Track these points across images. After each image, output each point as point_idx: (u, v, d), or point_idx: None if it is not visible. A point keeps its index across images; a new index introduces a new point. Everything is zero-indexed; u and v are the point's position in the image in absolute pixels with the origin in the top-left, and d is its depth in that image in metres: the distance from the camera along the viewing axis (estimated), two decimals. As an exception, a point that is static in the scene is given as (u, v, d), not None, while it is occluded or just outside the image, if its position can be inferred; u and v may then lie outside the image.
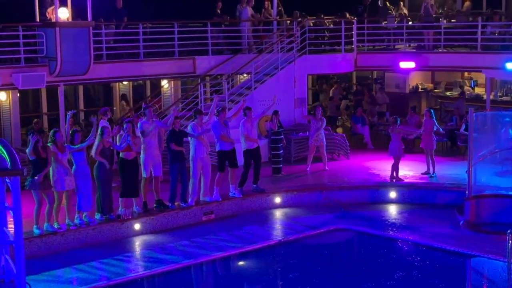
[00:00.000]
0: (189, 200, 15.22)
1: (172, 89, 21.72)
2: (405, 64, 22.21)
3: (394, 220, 15.43)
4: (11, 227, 6.40)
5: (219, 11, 22.40)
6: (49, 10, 18.67)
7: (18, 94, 19.79)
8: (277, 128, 17.91)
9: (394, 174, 17.14)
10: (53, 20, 18.11)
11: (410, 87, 26.17)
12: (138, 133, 14.66)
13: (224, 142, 15.50)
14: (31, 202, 13.14)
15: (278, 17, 22.72)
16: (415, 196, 16.68)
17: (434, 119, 17.68)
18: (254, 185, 16.32)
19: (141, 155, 14.72)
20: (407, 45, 23.33)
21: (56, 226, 13.40)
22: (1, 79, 17.19)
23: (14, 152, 7.00)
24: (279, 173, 18.06)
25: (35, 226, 13.17)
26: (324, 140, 18.43)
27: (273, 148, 18.16)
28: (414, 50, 23.10)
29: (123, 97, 22.36)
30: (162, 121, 15.50)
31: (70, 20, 18.54)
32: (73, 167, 13.60)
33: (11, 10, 18.75)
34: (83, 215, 13.84)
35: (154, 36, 20.88)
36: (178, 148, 14.86)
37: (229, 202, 15.77)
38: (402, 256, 14.09)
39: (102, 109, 16.88)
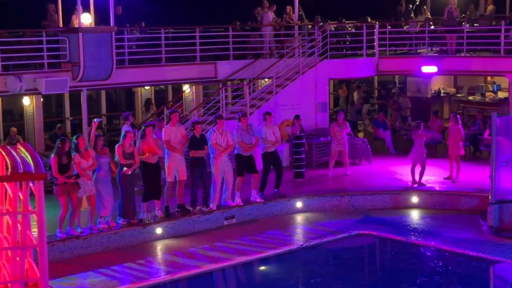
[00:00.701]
0: (211, 204, 15.24)
1: (194, 94, 21.78)
2: (427, 69, 22.08)
3: (416, 225, 15.33)
4: (34, 230, 6.44)
5: (257, 15, 22.38)
6: (74, 16, 18.81)
7: (42, 99, 19.95)
8: (298, 133, 17.89)
9: (416, 179, 17.04)
10: (76, 26, 18.25)
11: (432, 91, 26.04)
12: (162, 137, 14.71)
13: (242, 147, 15.50)
14: (55, 206, 13.22)
15: (299, 22, 22.71)
16: (438, 201, 16.58)
17: (459, 124, 17.54)
18: (276, 190, 16.31)
19: (165, 160, 14.78)
20: (429, 49, 23.20)
21: (78, 230, 13.48)
22: (25, 84, 17.31)
23: (38, 156, 7.05)
24: (301, 178, 18.03)
25: (58, 230, 13.26)
26: (346, 145, 18.39)
27: (295, 152, 18.14)
28: (437, 54, 22.97)
29: (148, 101, 22.46)
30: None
31: (93, 25, 18.67)
32: (96, 171, 13.68)
33: (35, 15, 18.89)
34: (105, 219, 13.91)
35: (176, 41, 20.97)
36: (198, 154, 14.84)
37: (250, 207, 15.78)
38: (424, 261, 14.00)
39: (124, 114, 16.98)
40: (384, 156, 20.85)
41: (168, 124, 15.08)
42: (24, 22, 20.60)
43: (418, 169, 16.98)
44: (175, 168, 14.74)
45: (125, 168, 13.82)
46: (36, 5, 19.02)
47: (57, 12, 18.82)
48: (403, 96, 24.85)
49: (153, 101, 22.60)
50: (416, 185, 16.98)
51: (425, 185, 17.04)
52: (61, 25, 18.94)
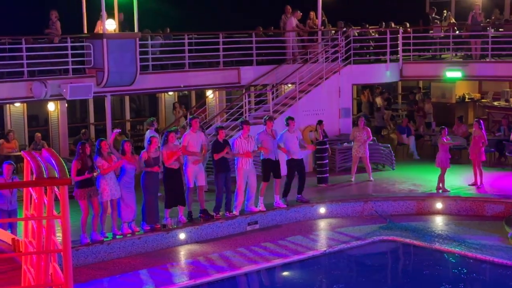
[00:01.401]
0: (234, 210, 15.25)
1: (217, 99, 21.84)
2: (451, 74, 21.97)
3: (440, 232, 15.22)
4: (59, 235, 6.49)
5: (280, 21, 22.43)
6: (98, 22, 18.95)
7: (66, 105, 20.11)
8: (322, 138, 17.85)
9: (441, 185, 16.94)
10: (101, 32, 18.40)
11: (457, 96, 25.86)
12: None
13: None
14: (79, 212, 13.30)
15: (322, 27, 22.70)
16: (462, 207, 16.46)
17: (483, 130, 17.42)
18: (299, 195, 16.29)
19: (184, 166, 14.80)
20: (454, 55, 23.07)
21: (102, 235, 13.55)
22: (50, 90, 17.47)
23: (62, 161, 7.10)
24: (324, 183, 18.00)
25: (82, 235, 13.34)
26: (367, 150, 18.31)
27: (318, 158, 18.10)
28: (461, 59, 22.84)
29: (174, 105, 22.60)
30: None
31: (117, 31, 18.80)
32: (119, 176, 13.74)
33: (60, 21, 19.05)
34: (129, 225, 13.97)
35: (200, 47, 21.06)
36: (220, 155, 14.81)
37: (273, 212, 15.76)
38: (448, 268, 13.89)
39: (149, 120, 17.07)
40: (408, 161, 20.74)
41: (189, 130, 15.11)
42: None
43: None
44: (194, 174, 14.77)
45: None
46: (58, 10, 19.14)
47: (59, 19, 18.83)
48: (427, 101, 24.72)
49: (177, 105, 22.67)
50: (440, 191, 16.87)
51: (449, 191, 16.93)
52: (85, 31, 19.09)
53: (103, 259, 13.39)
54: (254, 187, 15.38)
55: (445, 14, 24.89)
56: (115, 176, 13.61)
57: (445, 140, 16.82)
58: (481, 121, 17.81)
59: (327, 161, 18.18)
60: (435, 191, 16.93)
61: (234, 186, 15.28)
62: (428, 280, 12.82)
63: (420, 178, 18.41)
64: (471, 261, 13.58)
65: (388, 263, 14.68)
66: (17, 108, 20.28)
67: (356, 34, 22.55)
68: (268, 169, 15.63)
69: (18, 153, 17.96)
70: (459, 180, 17.91)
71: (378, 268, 13.91)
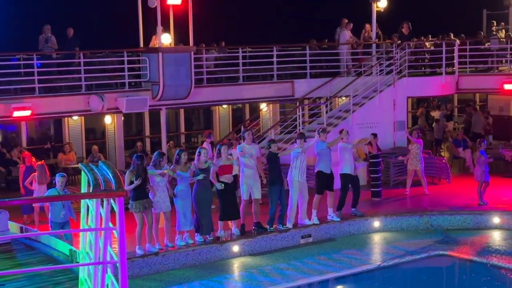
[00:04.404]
0: (287, 223, 15.24)
1: (271, 112, 21.88)
2: (509, 86, 21.59)
3: (497, 247, 14.93)
4: (115, 247, 6.59)
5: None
6: (154, 37, 19.23)
7: (123, 118, 20.41)
8: (376, 151, 17.74)
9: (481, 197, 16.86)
10: (156, 46, 18.65)
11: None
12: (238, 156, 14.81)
13: (323, 164, 15.46)
14: (134, 223, 13.46)
15: (377, 40, 22.58)
16: (521, 222, 16.13)
17: None
18: (353, 209, 16.20)
19: (240, 178, 14.87)
20: None
21: (157, 247, 13.67)
22: (107, 103, 17.76)
23: (118, 174, 7.22)
24: (378, 197, 17.86)
25: (137, 247, 13.48)
26: (422, 164, 18.11)
27: (372, 171, 17.98)
28: (519, 71, 22.45)
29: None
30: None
31: (172, 45, 19.04)
32: (176, 187, 13.87)
33: (116, 36, 19.41)
34: (183, 236, 14.07)
35: (254, 60, 21.17)
36: (277, 176, 14.85)
37: (327, 226, 15.69)
38: (506, 285, 13.60)
39: (206, 132, 17.21)
40: (464, 175, 20.43)
41: (243, 143, 15.17)
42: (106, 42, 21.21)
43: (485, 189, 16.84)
44: (249, 187, 14.81)
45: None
46: (115, 25, 19.50)
47: (53, 33, 18.73)
48: (489, 115, 24.21)
49: (229, 120, 22.81)
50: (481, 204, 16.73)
51: (487, 204, 16.69)
52: (141, 45, 19.38)
53: (157, 270, 13.51)
54: (307, 200, 15.35)
55: (499, 27, 24.49)
56: (168, 189, 13.73)
57: (481, 154, 16.65)
58: None
59: (381, 174, 18.05)
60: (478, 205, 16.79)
61: (288, 199, 15.26)
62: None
63: (477, 192, 18.08)
64: (530, 277, 13.29)
65: (443, 278, 14.45)
66: (75, 121, 20.68)
67: (412, 47, 22.35)
68: (323, 182, 15.58)
69: (76, 165, 18.29)
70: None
71: (433, 283, 13.70)
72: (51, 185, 14.80)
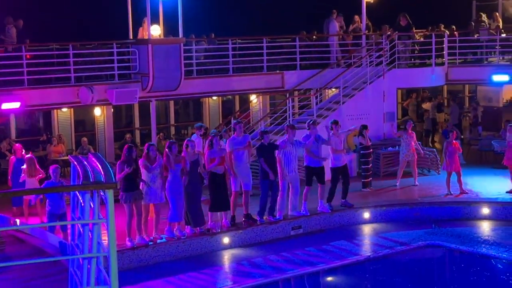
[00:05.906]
0: (277, 214, 15.24)
1: (261, 104, 21.86)
2: (498, 77, 21.65)
3: (487, 237, 15.01)
4: (104, 239, 6.57)
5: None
6: (141, 29, 19.16)
7: (112, 110, 20.36)
8: (368, 143, 17.78)
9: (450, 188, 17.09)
10: (144, 37, 18.58)
11: (504, 100, 25.46)
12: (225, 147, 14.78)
13: (311, 157, 15.46)
14: (124, 215, 13.43)
15: (366, 31, 22.57)
16: (510, 212, 16.18)
17: None
18: (343, 200, 16.22)
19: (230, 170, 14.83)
20: (501, 58, 22.74)
21: (148, 239, 13.65)
22: (97, 95, 17.70)
23: (108, 165, 7.19)
24: (368, 188, 17.90)
25: (127, 239, 13.46)
26: (415, 155, 18.17)
27: (363, 162, 18.01)
28: (508, 62, 22.49)
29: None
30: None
31: (161, 37, 18.97)
32: (168, 179, 13.83)
33: (106, 28, 19.34)
34: (174, 228, 14.06)
35: (243, 52, 21.13)
36: (268, 168, 14.81)
37: (317, 217, 15.72)
38: (495, 274, 13.67)
39: (197, 124, 17.14)
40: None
41: (234, 135, 15.14)
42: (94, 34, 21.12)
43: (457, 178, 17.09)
44: (240, 178, 14.79)
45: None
46: (109, 18, 19.44)
47: (15, 25, 18.18)
48: (479, 106, 24.24)
49: (219, 112, 22.78)
50: (452, 195, 16.93)
51: (467, 193, 16.85)
52: (131, 37, 19.31)
53: (147, 262, 13.50)
54: (298, 191, 15.35)
55: (486, 19, 24.51)
56: (161, 180, 13.69)
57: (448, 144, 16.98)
58: None
59: (371, 165, 18.08)
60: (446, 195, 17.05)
61: (278, 190, 15.26)
62: (475, 286, 12.63)
63: (466, 183, 18.13)
64: (519, 267, 13.36)
65: (433, 269, 14.51)
66: (65, 113, 20.61)
67: (401, 38, 22.35)
68: (311, 175, 15.59)
69: (65, 158, 18.25)
70: (506, 186, 17.59)
71: (423, 274, 13.75)
72: (44, 178, 14.85)
